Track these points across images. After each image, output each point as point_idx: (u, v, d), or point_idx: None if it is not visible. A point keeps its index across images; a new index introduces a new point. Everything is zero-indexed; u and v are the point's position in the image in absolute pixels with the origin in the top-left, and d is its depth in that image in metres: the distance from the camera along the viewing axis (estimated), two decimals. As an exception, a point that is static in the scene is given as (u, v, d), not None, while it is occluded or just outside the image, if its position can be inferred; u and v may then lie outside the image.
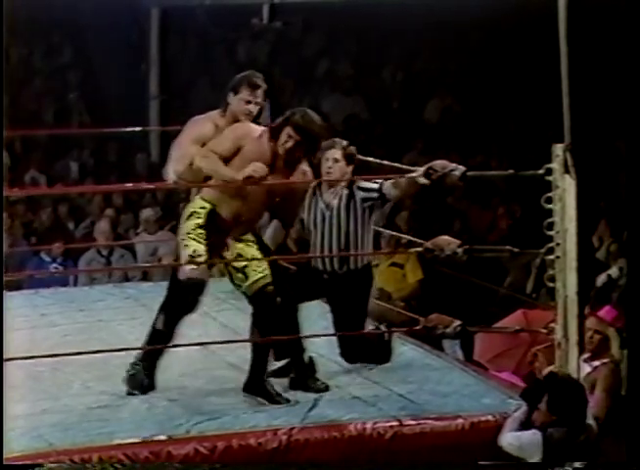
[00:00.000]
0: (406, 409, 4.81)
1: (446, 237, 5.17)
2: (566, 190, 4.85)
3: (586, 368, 5.17)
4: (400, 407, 4.83)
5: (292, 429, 4.54)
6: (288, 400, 4.82)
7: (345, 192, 5.17)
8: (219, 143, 4.80)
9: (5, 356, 4.89)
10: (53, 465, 4.26)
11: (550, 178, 4.87)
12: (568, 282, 4.87)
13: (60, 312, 6.27)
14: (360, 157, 5.80)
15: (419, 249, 5.20)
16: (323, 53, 12.85)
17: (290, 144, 4.71)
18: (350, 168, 5.18)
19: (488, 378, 5.39)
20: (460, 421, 4.73)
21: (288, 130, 4.72)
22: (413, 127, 11.30)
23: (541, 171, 4.90)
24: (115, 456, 4.33)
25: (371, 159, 5.82)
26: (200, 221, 4.75)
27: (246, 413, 4.73)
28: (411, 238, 5.88)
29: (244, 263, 4.77)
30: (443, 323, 5.15)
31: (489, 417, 4.75)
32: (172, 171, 4.93)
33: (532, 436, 4.37)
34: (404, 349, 5.64)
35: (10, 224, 9.08)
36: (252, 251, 4.82)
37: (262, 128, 4.85)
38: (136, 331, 5.72)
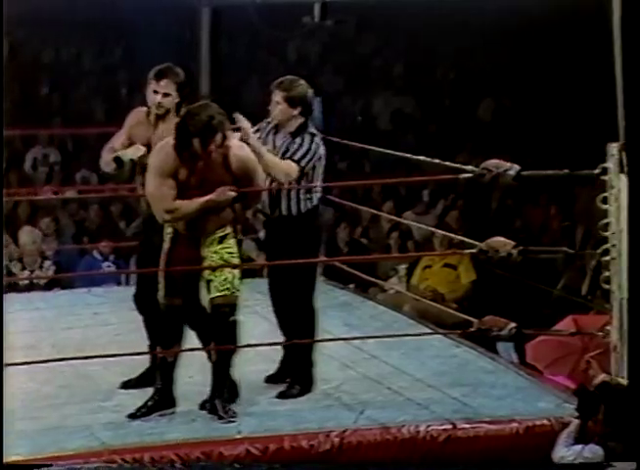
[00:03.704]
0: (460, 412, 4.76)
1: (501, 238, 5.09)
2: (621, 190, 4.76)
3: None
4: (454, 410, 4.78)
5: (344, 431, 4.51)
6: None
7: (288, 138, 4.98)
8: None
9: (55, 356, 4.92)
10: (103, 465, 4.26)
11: (605, 178, 4.79)
12: (623, 284, 4.78)
13: (112, 311, 6.29)
14: (411, 156, 5.75)
15: (473, 250, 5.13)
16: (375, 52, 12.83)
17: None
18: (297, 111, 4.95)
19: (543, 381, 5.33)
20: (514, 425, 4.68)
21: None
22: (466, 127, 11.23)
23: (596, 171, 4.81)
24: (167, 456, 4.32)
25: (422, 157, 5.77)
26: (166, 248, 4.67)
27: (297, 415, 4.71)
28: (464, 239, 5.82)
29: (210, 276, 4.61)
30: (498, 325, 5.07)
31: (544, 421, 4.69)
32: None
33: (597, 452, 4.29)
34: (458, 351, 5.59)
35: (54, 226, 9.14)
36: (221, 262, 4.61)
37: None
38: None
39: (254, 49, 12.30)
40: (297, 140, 4.96)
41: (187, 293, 4.69)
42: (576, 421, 4.42)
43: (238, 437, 4.47)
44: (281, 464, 4.36)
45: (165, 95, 4.86)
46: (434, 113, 11.78)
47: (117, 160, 4.88)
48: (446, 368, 5.36)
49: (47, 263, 8.50)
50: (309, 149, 4.96)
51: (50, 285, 8.22)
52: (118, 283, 8.13)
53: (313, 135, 5.00)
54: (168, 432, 4.52)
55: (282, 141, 5.00)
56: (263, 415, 4.70)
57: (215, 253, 4.65)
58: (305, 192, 5.00)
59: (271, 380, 5.09)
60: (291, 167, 4.92)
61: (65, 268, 8.54)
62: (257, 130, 5.06)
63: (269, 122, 5.06)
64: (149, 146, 4.88)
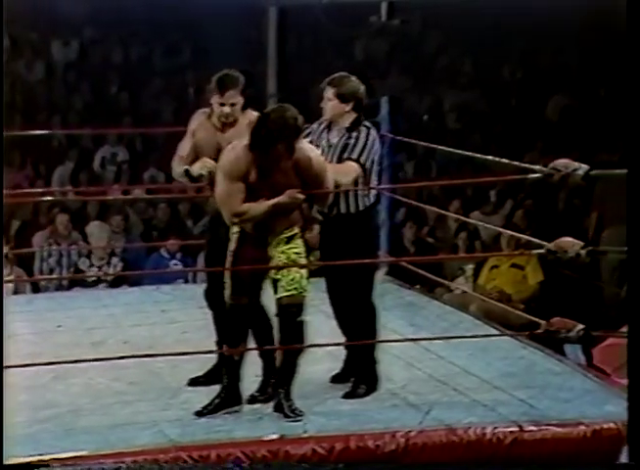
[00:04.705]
0: (527, 415, 4.72)
1: (569, 238, 5.04)
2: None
3: None
4: (521, 412, 4.75)
5: (409, 432, 4.49)
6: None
7: (344, 135, 4.96)
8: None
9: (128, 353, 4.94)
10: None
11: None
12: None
13: (179, 309, 6.35)
14: (479, 155, 5.72)
15: (541, 250, 5.08)
16: (441, 50, 12.78)
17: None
18: (348, 106, 4.94)
19: (611, 384, 5.26)
20: (582, 428, 4.63)
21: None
22: (533, 125, 11.14)
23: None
24: (234, 454, 4.35)
25: (490, 157, 5.75)
26: (232, 247, 4.68)
27: (363, 414, 4.71)
28: (531, 239, 5.77)
29: (277, 276, 4.62)
30: (566, 327, 5.02)
31: (611, 425, 4.64)
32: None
33: None
34: (525, 352, 5.55)
35: (123, 224, 9.27)
36: (288, 262, 4.60)
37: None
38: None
39: (321, 48, 12.33)
40: (354, 135, 4.96)
41: (253, 292, 4.72)
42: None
43: (304, 436, 4.48)
44: (346, 464, 4.37)
45: (232, 105, 4.87)
46: (502, 111, 11.70)
47: (188, 173, 4.93)
48: (513, 370, 5.32)
49: (115, 260, 8.60)
50: (366, 143, 4.95)
51: (117, 282, 8.31)
52: (186, 281, 8.21)
53: (368, 129, 5.01)
54: (235, 430, 4.54)
55: (337, 138, 4.99)
56: (330, 414, 4.70)
57: (282, 253, 4.67)
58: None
59: (336, 380, 5.10)
60: (351, 168, 4.92)
61: (132, 266, 8.64)
62: (309, 134, 5.03)
63: (321, 123, 5.07)
64: (218, 150, 4.87)
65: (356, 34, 12.31)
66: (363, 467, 4.44)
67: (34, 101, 12.15)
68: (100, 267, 8.52)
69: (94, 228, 9.05)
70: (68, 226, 8.92)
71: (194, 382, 5.09)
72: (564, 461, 4.58)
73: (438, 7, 10.75)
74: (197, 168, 4.90)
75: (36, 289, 8.47)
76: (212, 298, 5.06)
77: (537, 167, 5.02)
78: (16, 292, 8.23)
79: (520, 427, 4.59)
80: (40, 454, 4.24)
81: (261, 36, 10.59)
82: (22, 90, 12.29)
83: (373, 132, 5.01)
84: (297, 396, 4.75)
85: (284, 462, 4.36)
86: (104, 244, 8.81)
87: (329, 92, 4.98)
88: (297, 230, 4.69)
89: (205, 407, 4.72)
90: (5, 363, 4.20)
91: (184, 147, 5.02)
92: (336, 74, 5.03)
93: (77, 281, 8.43)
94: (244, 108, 4.92)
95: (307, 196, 4.64)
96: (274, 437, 4.46)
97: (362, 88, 5.02)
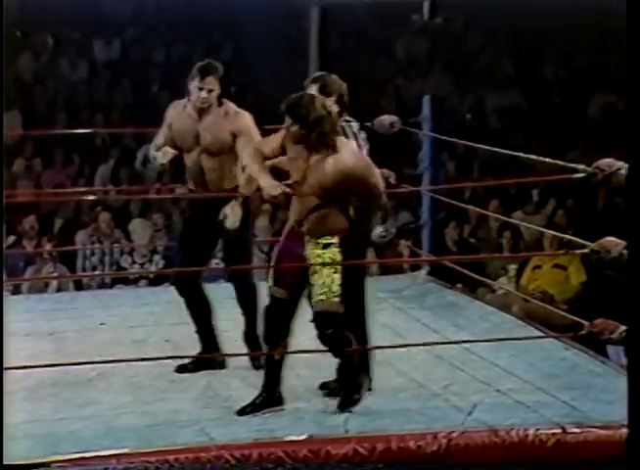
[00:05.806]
0: (569, 416, 4.69)
1: (612, 238, 5.01)
2: None
3: None
4: (563, 414, 4.71)
5: (451, 433, 4.47)
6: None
7: None
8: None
9: (168, 352, 4.96)
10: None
11: None
12: None
13: (220, 308, 6.28)
14: (522, 154, 5.69)
15: (585, 250, 5.04)
16: (483, 49, 12.73)
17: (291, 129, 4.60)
18: (331, 100, 4.89)
19: (655, 386, 5.21)
20: (624, 431, 4.57)
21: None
22: (576, 124, 11.07)
23: None
24: (275, 453, 4.35)
25: (533, 156, 5.72)
26: (281, 241, 4.71)
27: (405, 414, 4.70)
28: (573, 238, 5.73)
29: (312, 281, 4.61)
30: (608, 328, 4.99)
31: (656, 427, 4.59)
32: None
33: None
34: (567, 353, 5.51)
35: (165, 222, 9.30)
36: (320, 263, 4.60)
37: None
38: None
39: (363, 47, 12.32)
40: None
41: (294, 288, 4.71)
42: None
43: (346, 436, 4.47)
44: (387, 464, 4.36)
45: (210, 91, 5.14)
46: (545, 111, 11.64)
47: (151, 161, 5.29)
48: (556, 371, 5.29)
49: (156, 258, 8.64)
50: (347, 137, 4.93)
51: (158, 280, 8.34)
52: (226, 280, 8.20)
53: (349, 122, 5.01)
54: (276, 429, 4.55)
55: None
56: (371, 414, 4.70)
57: (318, 256, 4.66)
58: None
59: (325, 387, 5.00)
60: None
61: (174, 264, 8.64)
62: None
63: None
64: (196, 137, 5.16)
65: (398, 33, 12.29)
66: (404, 468, 4.43)
67: (78, 100, 12.24)
68: (142, 265, 8.56)
69: (136, 225, 9.10)
70: (110, 224, 8.98)
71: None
72: (606, 464, 4.54)
73: (480, 5, 10.71)
74: (159, 158, 5.18)
75: (79, 287, 8.53)
76: (185, 283, 5.32)
77: (581, 167, 4.99)
78: (59, 289, 8.31)
79: (562, 429, 4.56)
80: (81, 452, 4.27)
81: (303, 35, 10.60)
82: (66, 89, 12.40)
83: (354, 125, 5.04)
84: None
85: (324, 462, 4.36)
86: (146, 242, 8.85)
87: (312, 89, 5.00)
88: (335, 240, 4.65)
89: (246, 407, 4.73)
90: (6, 363, 4.22)
91: (159, 138, 5.27)
92: (317, 73, 5.13)
93: (119, 279, 8.47)
94: (220, 99, 5.16)
95: (357, 210, 4.64)
96: (315, 436, 4.46)
97: (344, 85, 5.06)
